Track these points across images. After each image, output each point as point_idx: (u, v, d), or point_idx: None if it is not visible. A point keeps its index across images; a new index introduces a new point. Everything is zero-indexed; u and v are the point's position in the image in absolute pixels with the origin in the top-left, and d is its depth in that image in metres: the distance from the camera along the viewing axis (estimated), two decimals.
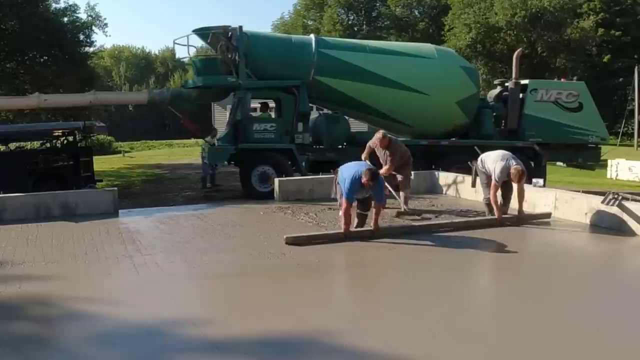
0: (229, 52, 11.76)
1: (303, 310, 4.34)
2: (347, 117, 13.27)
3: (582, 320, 4.12)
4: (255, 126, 11.99)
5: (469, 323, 4.05)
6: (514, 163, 7.32)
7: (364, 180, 6.27)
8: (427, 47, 13.70)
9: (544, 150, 12.36)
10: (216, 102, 13.18)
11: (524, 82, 13.17)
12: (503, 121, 13.22)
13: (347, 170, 6.59)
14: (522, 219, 7.59)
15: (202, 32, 12.39)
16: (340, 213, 6.89)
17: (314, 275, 5.45)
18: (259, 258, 5.77)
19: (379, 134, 8.49)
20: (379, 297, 4.82)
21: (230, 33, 11.89)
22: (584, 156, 13.28)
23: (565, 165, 13.99)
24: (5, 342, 3.73)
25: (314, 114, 13.77)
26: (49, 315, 4.32)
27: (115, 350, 3.60)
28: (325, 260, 5.96)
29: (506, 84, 13.31)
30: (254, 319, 4.07)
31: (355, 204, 6.79)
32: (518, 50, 15.15)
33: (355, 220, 6.91)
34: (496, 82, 14.69)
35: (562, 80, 14.85)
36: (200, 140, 16.20)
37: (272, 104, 13.04)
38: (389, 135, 8.66)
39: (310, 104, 12.93)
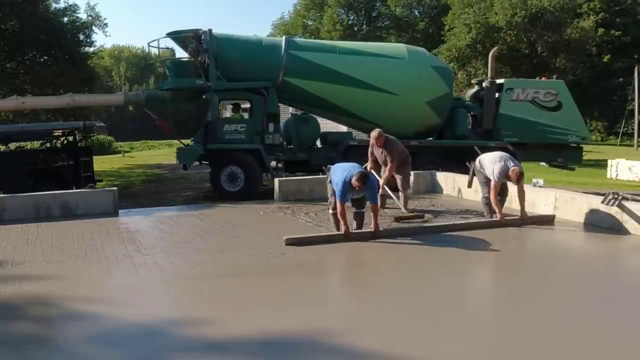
0: (199, 55, 11.92)
1: (303, 310, 4.34)
2: (316, 118, 13.34)
3: (582, 320, 4.12)
4: (226, 127, 12.18)
5: (469, 323, 4.05)
6: (512, 164, 7.33)
7: (354, 183, 6.33)
8: (397, 48, 13.79)
9: (518, 151, 12.05)
10: (191, 103, 13.41)
11: (499, 81, 13.13)
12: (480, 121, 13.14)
13: (339, 173, 6.62)
14: (526, 221, 7.53)
15: (175, 36, 12.64)
16: (330, 211, 7.02)
17: (314, 275, 5.45)
18: (259, 258, 5.77)
19: (374, 133, 8.34)
20: (379, 297, 4.82)
21: (201, 36, 12.06)
22: (565, 156, 13.07)
23: (547, 165, 13.75)
24: (5, 342, 3.73)
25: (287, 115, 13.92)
26: (49, 315, 4.32)
27: (115, 350, 3.60)
28: (325, 260, 5.96)
29: (484, 84, 13.26)
30: (254, 319, 4.07)
31: (349, 203, 6.84)
32: (493, 49, 15.16)
33: (354, 223, 6.91)
34: (473, 81, 14.67)
35: (543, 79, 14.74)
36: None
37: (246, 105, 13.12)
38: (385, 134, 8.49)
39: (281, 105, 13.05)
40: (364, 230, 6.86)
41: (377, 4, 47.52)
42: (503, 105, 12.65)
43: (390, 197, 8.53)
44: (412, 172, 10.64)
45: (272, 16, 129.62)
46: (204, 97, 12.48)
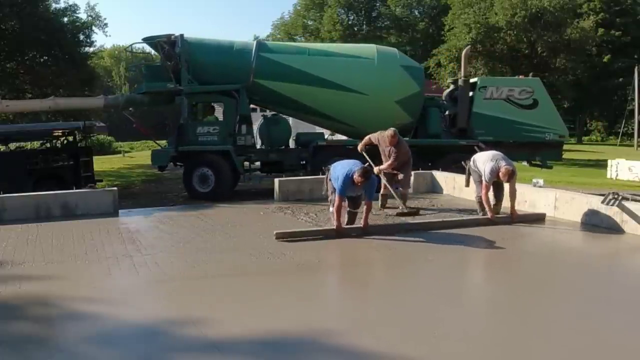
0: (171, 59, 12.24)
1: (303, 310, 4.34)
2: (287, 119, 13.58)
3: (581, 320, 4.12)
4: (199, 129, 12.40)
5: (469, 323, 4.05)
6: (504, 163, 7.40)
7: (356, 178, 6.44)
8: (368, 48, 13.90)
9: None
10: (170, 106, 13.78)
11: (474, 80, 13.13)
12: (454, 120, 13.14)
13: (340, 169, 6.76)
14: (515, 219, 7.64)
15: (150, 41, 12.94)
16: (331, 209, 7.15)
17: (314, 275, 5.45)
18: (259, 258, 5.77)
19: (390, 132, 8.55)
20: (379, 297, 4.82)
21: (175, 41, 12.32)
22: (543, 154, 12.91)
23: (527, 164, 13.47)
24: (5, 342, 3.73)
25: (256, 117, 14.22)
26: (49, 315, 4.31)
27: (115, 350, 3.60)
28: (325, 260, 5.97)
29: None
30: (254, 319, 4.07)
31: (345, 202, 6.97)
32: (466, 48, 15.25)
33: (345, 218, 7.09)
34: (449, 80, 14.69)
35: (521, 77, 14.68)
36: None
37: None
38: (398, 135, 8.78)
39: (254, 107, 13.36)
40: (353, 225, 7.03)
41: (377, 4, 47.59)
42: (476, 103, 12.62)
43: (392, 197, 8.69)
44: (413, 172, 10.84)
45: (272, 16, 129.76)
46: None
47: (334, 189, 6.82)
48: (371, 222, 7.10)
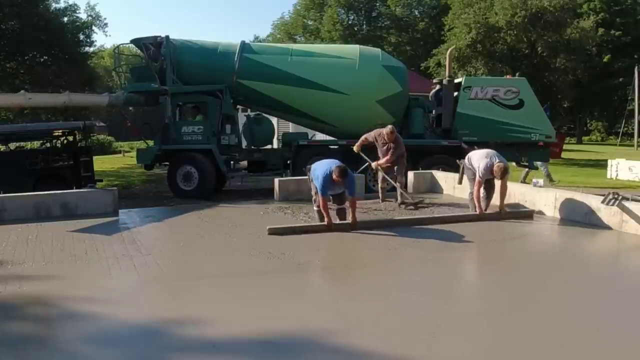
0: (157, 60, 12.47)
1: (303, 310, 4.34)
2: (270, 119, 13.70)
3: (582, 320, 4.12)
4: (184, 128, 12.61)
5: (469, 323, 4.05)
6: (497, 160, 7.56)
7: (335, 178, 6.69)
8: (350, 49, 13.94)
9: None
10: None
11: (458, 80, 13.12)
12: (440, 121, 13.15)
13: (319, 169, 6.99)
14: (504, 215, 7.79)
15: (137, 43, 13.14)
16: (315, 208, 7.45)
17: (314, 275, 5.45)
18: (258, 258, 5.77)
19: (388, 128, 9.11)
20: (379, 297, 4.81)
21: (161, 42, 12.52)
22: (530, 155, 12.80)
23: (516, 165, 13.27)
24: (5, 342, 3.73)
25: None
26: (49, 315, 4.31)
27: (115, 350, 3.60)
28: (325, 260, 5.97)
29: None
30: (254, 319, 4.07)
31: (331, 201, 7.28)
32: (451, 48, 15.18)
33: (337, 219, 7.30)
34: (435, 80, 14.66)
35: (508, 77, 14.62)
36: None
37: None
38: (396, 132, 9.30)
39: (239, 107, 13.56)
40: (343, 222, 7.22)
41: (377, 4, 47.56)
42: (460, 104, 12.54)
43: (391, 190, 9.34)
44: (413, 172, 10.93)
45: (272, 16, 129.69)
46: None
47: (317, 189, 7.04)
48: (371, 218, 7.14)
